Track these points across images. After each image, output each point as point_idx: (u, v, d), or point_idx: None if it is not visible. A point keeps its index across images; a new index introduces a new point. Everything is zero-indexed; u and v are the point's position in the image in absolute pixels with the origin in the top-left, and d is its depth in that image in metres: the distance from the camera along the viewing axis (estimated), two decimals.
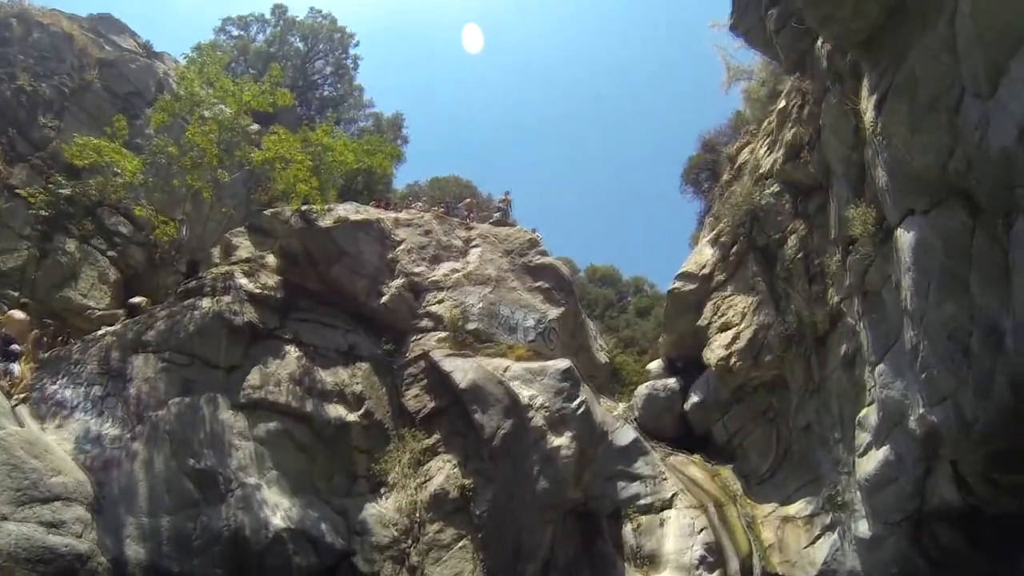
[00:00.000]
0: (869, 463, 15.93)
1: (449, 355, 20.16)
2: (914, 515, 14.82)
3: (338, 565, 16.21)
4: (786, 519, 19.12)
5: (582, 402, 19.21)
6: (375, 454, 18.47)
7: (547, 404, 18.73)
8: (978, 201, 11.01)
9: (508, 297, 23.11)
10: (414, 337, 21.25)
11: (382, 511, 17.41)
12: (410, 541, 17.05)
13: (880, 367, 15.30)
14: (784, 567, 18.19)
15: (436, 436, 19.10)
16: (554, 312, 23.55)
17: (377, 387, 19.68)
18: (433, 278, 22.76)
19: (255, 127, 27.33)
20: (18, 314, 16.73)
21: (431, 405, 19.64)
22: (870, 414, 16.11)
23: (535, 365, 20.08)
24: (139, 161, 22.16)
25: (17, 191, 22.48)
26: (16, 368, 15.33)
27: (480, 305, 22.20)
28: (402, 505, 17.52)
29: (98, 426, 15.50)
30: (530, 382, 19.25)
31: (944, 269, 11.86)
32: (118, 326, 18.09)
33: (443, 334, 21.18)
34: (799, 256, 20.19)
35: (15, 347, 15.64)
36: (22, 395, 14.99)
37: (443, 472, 18.18)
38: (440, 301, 22.09)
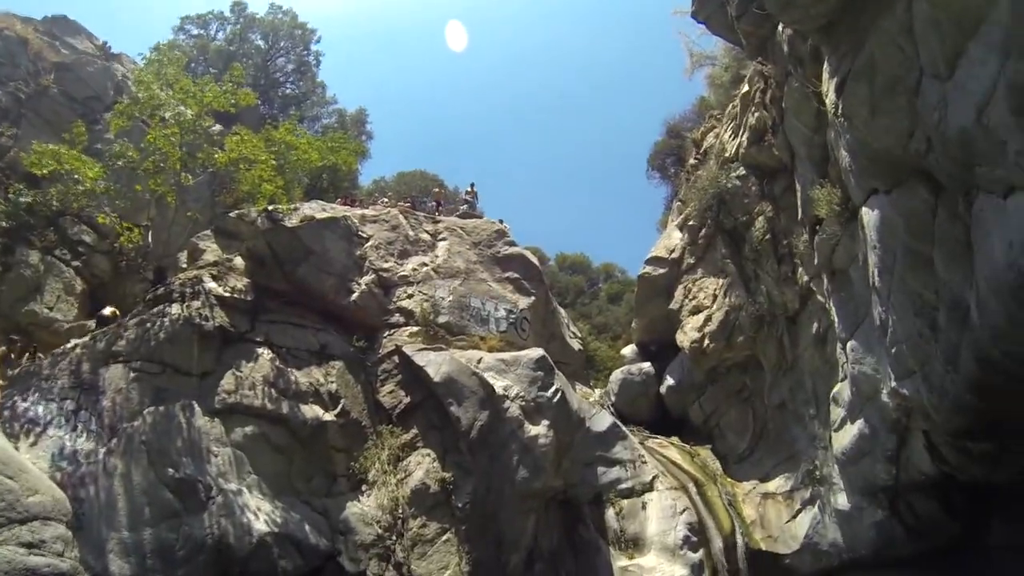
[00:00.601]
0: (844, 437, 16.26)
1: (421, 349, 20.07)
2: (890, 486, 15.18)
3: (323, 566, 16.09)
4: (766, 495, 19.45)
5: (557, 390, 19.32)
6: (353, 452, 18.35)
7: (522, 394, 18.80)
8: (939, 180, 11.23)
9: (478, 289, 23.08)
10: (386, 333, 21.08)
11: (364, 509, 17.34)
12: (394, 537, 17.01)
13: (851, 343, 15.59)
14: (767, 542, 18.53)
15: (413, 431, 19.03)
16: (525, 302, 23.60)
17: (352, 385, 19.55)
18: (402, 273, 22.59)
19: (217, 128, 26.94)
20: None
21: (406, 400, 19.55)
22: (843, 390, 16.42)
23: (508, 355, 20.13)
24: (100, 167, 21.68)
25: None
26: None
27: (450, 298, 22.16)
28: (383, 502, 17.46)
29: (73, 441, 15.19)
30: (504, 372, 19.29)
31: (908, 247, 12.10)
32: (87, 338, 17.78)
33: (414, 329, 21.08)
34: (767, 237, 20.47)
35: None
36: None
37: (422, 467, 18.15)
38: (410, 296, 21.95)
